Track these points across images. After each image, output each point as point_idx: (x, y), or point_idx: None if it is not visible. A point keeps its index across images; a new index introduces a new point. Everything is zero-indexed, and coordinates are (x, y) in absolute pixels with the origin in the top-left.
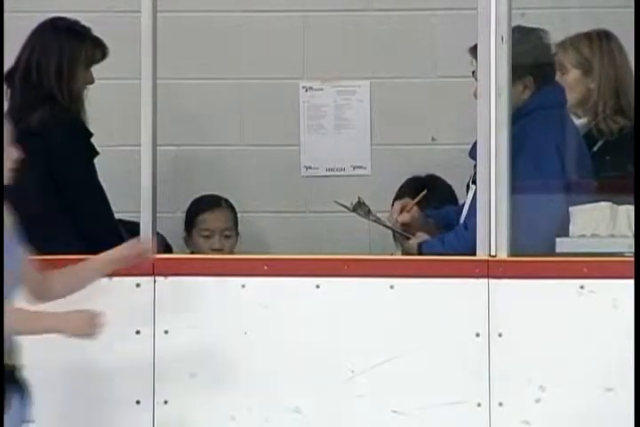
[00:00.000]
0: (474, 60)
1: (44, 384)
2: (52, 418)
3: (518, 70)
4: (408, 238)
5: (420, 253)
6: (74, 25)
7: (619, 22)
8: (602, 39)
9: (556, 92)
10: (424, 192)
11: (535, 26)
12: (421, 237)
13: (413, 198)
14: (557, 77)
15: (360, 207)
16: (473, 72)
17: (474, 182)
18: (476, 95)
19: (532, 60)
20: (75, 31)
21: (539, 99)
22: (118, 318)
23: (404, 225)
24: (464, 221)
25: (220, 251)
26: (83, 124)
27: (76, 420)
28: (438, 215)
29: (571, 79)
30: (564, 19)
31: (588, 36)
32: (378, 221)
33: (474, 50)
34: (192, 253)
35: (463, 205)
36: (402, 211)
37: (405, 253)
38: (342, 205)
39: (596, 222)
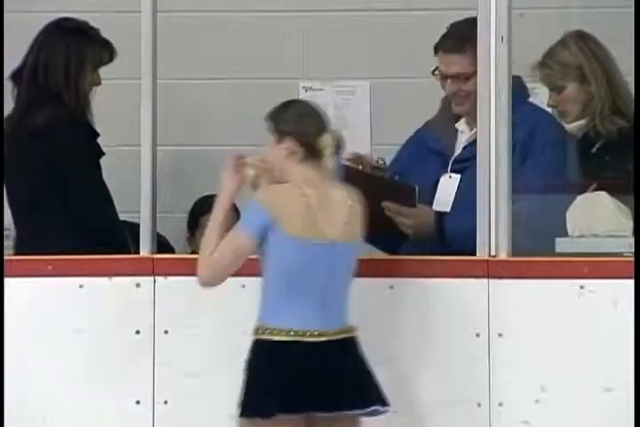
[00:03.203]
0: (438, 58)
1: (49, 384)
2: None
3: None
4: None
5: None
6: (82, 26)
7: (619, 22)
8: (577, 41)
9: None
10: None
11: (535, 26)
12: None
13: None
14: (552, 98)
15: (376, 170)
16: (434, 70)
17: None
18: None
19: None
20: (83, 32)
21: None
22: (118, 318)
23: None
24: (450, 210)
25: None
26: (89, 125)
27: (77, 419)
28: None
29: (570, 93)
30: (564, 19)
31: (564, 44)
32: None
33: (437, 48)
34: (193, 252)
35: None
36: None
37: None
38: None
39: (596, 222)
